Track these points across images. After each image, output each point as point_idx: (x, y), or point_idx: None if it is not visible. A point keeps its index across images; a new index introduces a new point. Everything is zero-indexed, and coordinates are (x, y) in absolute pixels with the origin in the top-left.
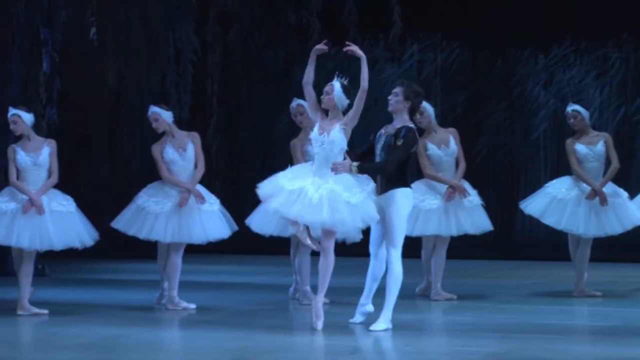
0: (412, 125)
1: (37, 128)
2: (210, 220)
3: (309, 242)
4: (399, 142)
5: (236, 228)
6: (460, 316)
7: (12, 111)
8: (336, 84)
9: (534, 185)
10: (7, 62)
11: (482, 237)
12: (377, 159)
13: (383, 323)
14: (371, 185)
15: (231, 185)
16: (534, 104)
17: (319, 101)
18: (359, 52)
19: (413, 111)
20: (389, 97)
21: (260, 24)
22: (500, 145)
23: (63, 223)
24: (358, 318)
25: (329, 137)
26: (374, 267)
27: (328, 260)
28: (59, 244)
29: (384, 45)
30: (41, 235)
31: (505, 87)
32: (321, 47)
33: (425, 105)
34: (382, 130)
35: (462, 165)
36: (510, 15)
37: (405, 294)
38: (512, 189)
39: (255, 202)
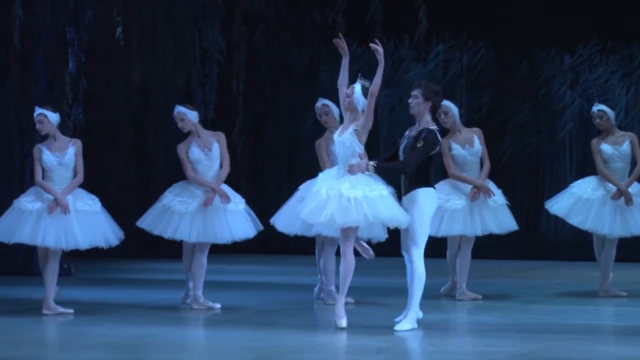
0: (434, 127)
1: (63, 128)
2: (235, 219)
3: (371, 253)
4: (419, 144)
5: (261, 227)
6: (485, 316)
7: (38, 111)
8: (357, 86)
9: (560, 185)
10: (34, 62)
11: (507, 237)
12: (401, 160)
13: (408, 323)
14: (389, 188)
15: (256, 184)
16: (559, 104)
17: None
18: (380, 57)
19: (435, 110)
20: (409, 100)
21: (285, 23)
22: (525, 145)
23: (88, 222)
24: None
25: (341, 138)
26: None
27: (347, 263)
28: (84, 244)
29: (409, 45)
30: (66, 234)
31: (531, 87)
32: (340, 44)
33: (450, 105)
34: (406, 132)
35: (487, 165)
36: (536, 15)
37: (431, 294)
38: (537, 189)
39: (279, 201)
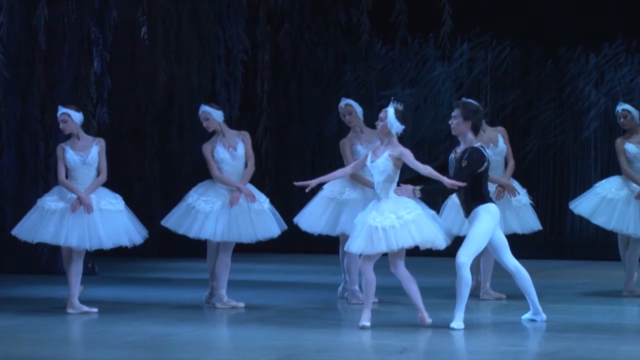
0: (477, 145)
1: (88, 127)
2: (260, 219)
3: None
4: (463, 164)
5: (285, 227)
6: (509, 316)
7: (61, 110)
8: (390, 110)
9: (584, 185)
10: (59, 62)
11: (531, 237)
12: None
13: (460, 322)
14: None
15: (280, 184)
16: (584, 103)
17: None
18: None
19: (476, 128)
20: (450, 122)
21: (310, 23)
22: (550, 145)
23: (112, 222)
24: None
25: (375, 164)
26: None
27: (367, 279)
28: (108, 243)
29: (434, 44)
30: (90, 234)
31: (556, 86)
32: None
33: None
34: (452, 155)
35: (511, 164)
36: (561, 14)
37: (454, 294)
38: (562, 188)
39: (303, 201)
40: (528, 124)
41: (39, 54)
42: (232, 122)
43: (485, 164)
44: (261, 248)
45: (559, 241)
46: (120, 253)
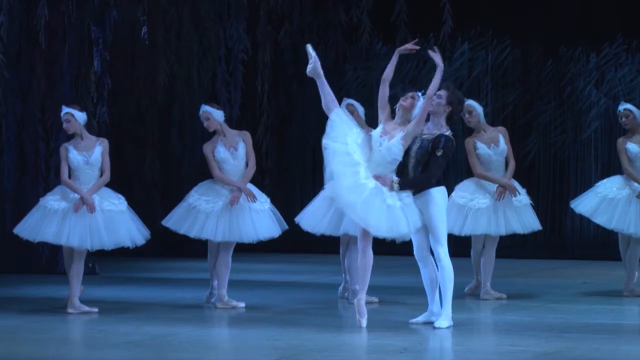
0: (449, 133)
1: (88, 127)
2: (260, 219)
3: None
4: (439, 153)
5: (286, 227)
6: (509, 315)
7: (65, 110)
8: (421, 98)
9: (585, 184)
10: (59, 61)
11: (532, 236)
12: (411, 160)
13: (445, 321)
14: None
15: (281, 184)
16: (585, 103)
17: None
18: (439, 62)
19: (451, 118)
20: (433, 98)
21: (310, 22)
22: (550, 145)
23: (114, 222)
24: (420, 319)
25: (388, 144)
26: (425, 273)
27: (366, 259)
28: (109, 244)
29: (434, 44)
30: (92, 234)
31: (556, 86)
32: (410, 46)
33: (474, 105)
34: (426, 130)
35: (512, 164)
36: (561, 14)
37: (455, 293)
38: (562, 188)
39: (304, 200)
40: (528, 123)
41: (39, 54)
42: (233, 122)
43: (452, 153)
44: (261, 248)
45: (560, 240)
46: (120, 253)
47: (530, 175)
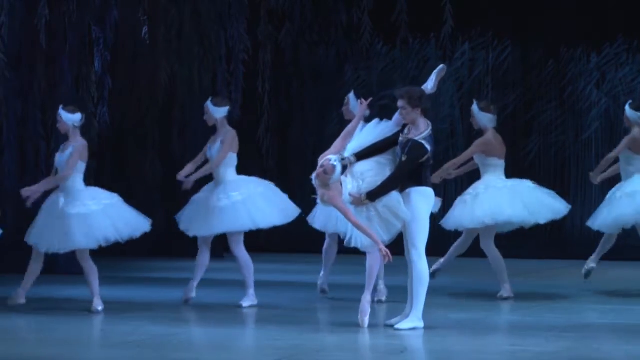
0: (421, 137)
1: (89, 127)
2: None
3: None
4: (404, 158)
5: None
6: (510, 315)
7: (59, 110)
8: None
9: (585, 184)
10: (59, 61)
11: (532, 236)
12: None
13: (410, 322)
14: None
15: (281, 183)
16: (585, 103)
17: None
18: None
19: (426, 112)
20: (399, 113)
21: (311, 22)
22: (551, 145)
23: (118, 214)
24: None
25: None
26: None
27: (373, 259)
28: (115, 236)
29: (435, 44)
30: (92, 234)
31: (557, 86)
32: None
33: (472, 107)
34: (406, 131)
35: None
36: (562, 14)
37: (456, 293)
38: (563, 188)
39: (304, 200)
40: (529, 123)
41: (39, 54)
42: (233, 122)
43: (426, 156)
44: (261, 248)
45: (561, 240)
46: (120, 253)
47: (531, 174)
